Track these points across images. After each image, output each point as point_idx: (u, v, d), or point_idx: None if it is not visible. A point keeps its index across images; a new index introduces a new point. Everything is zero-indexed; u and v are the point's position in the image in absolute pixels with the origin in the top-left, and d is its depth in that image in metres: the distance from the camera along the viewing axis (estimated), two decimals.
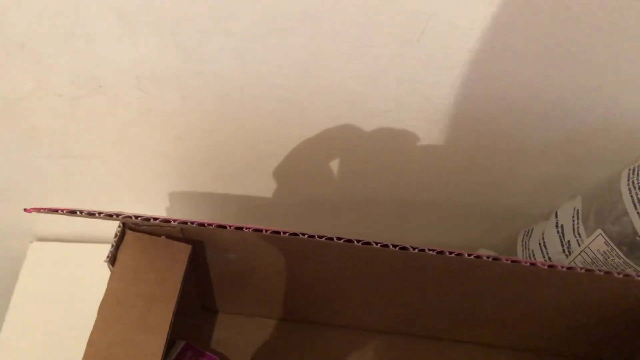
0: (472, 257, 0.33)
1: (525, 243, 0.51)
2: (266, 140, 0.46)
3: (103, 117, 0.43)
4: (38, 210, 0.32)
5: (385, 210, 0.54)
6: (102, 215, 0.33)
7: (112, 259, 0.37)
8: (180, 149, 0.47)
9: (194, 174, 0.50)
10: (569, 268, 0.35)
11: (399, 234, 0.58)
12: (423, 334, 0.51)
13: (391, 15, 0.34)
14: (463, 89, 0.40)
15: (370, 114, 0.42)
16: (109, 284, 0.36)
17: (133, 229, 0.38)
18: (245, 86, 0.40)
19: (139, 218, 0.34)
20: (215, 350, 0.50)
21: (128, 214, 0.34)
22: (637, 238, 0.39)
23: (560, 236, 0.45)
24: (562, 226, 0.46)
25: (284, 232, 0.33)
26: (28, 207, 0.33)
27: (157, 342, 0.35)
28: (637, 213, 0.38)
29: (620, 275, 0.35)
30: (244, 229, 0.33)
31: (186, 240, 0.39)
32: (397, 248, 0.33)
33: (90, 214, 0.33)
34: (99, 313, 0.35)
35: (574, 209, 0.45)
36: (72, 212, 0.32)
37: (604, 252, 0.41)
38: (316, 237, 0.33)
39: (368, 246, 0.33)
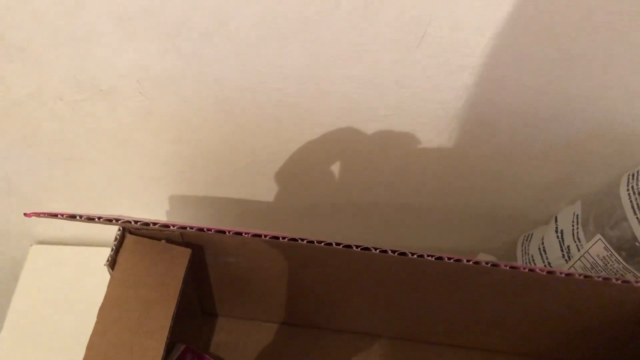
0: (471, 262, 0.33)
1: (525, 248, 0.51)
2: (266, 144, 0.46)
3: (103, 121, 0.43)
4: (38, 214, 0.32)
5: (385, 214, 0.54)
6: (101, 220, 0.33)
7: (112, 263, 0.37)
8: (180, 152, 0.47)
9: (194, 178, 0.50)
10: (567, 274, 0.35)
11: (399, 238, 0.58)
12: (422, 338, 0.51)
13: (391, 20, 0.34)
14: (463, 93, 0.40)
15: (369, 118, 0.42)
16: (108, 287, 0.36)
17: (133, 232, 0.38)
18: (245, 90, 0.40)
19: (139, 223, 0.34)
20: (215, 354, 0.50)
21: (127, 219, 0.34)
22: (637, 243, 0.39)
23: (559, 241, 0.45)
24: (561, 231, 0.46)
25: (284, 237, 0.33)
26: (28, 211, 0.32)
27: (157, 345, 0.35)
28: (637, 218, 0.38)
29: (619, 282, 0.35)
30: (244, 234, 0.33)
31: (186, 245, 0.39)
32: (396, 254, 0.33)
33: (90, 219, 0.33)
34: (98, 316, 0.35)
35: (574, 214, 0.45)
36: (72, 217, 0.32)
37: (604, 257, 0.41)
38: (315, 242, 0.32)
39: (367, 252, 0.32)
